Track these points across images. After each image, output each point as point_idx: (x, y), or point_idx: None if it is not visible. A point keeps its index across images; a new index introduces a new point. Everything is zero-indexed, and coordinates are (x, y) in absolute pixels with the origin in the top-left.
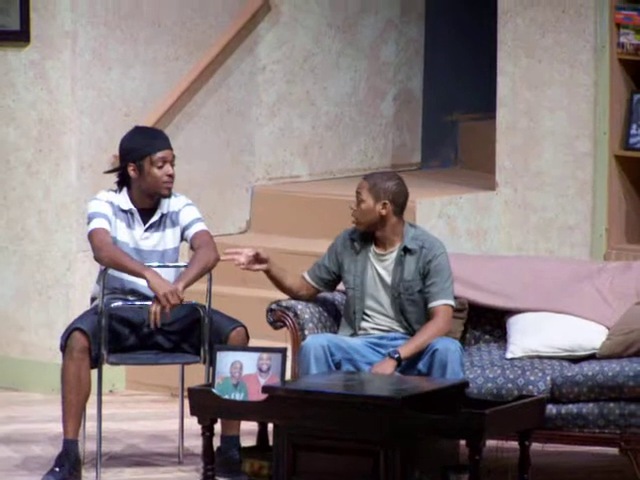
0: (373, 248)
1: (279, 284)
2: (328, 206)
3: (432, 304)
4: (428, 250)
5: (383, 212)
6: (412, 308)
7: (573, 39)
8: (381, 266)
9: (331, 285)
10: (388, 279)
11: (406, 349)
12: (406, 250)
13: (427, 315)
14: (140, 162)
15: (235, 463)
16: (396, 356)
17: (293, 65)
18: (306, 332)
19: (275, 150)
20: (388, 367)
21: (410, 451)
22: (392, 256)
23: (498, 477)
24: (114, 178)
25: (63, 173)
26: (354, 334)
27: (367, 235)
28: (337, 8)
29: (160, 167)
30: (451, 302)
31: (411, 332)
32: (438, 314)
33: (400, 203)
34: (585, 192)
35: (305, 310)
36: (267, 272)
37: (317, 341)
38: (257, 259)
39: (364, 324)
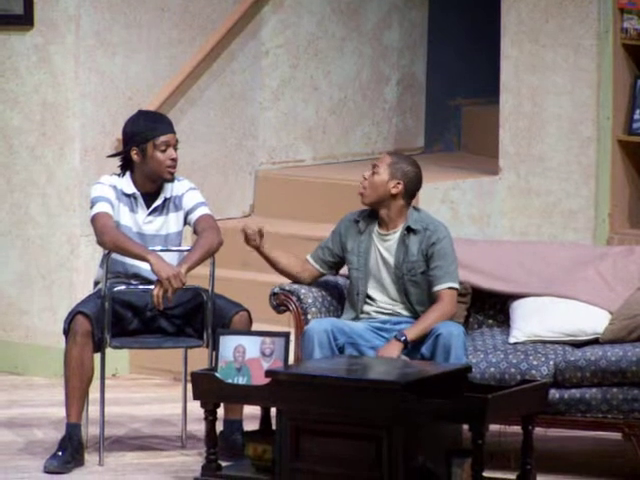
0: (376, 228)
1: (273, 264)
2: (331, 190)
3: (437, 287)
4: (432, 232)
5: (394, 191)
6: (414, 289)
7: (577, 24)
8: (384, 247)
9: (334, 268)
10: (391, 260)
11: (412, 332)
12: (409, 230)
13: (430, 297)
14: (143, 146)
15: (238, 447)
16: (402, 338)
17: (297, 49)
18: (309, 316)
19: (279, 134)
20: (394, 349)
21: (413, 436)
22: (395, 236)
23: (501, 462)
24: (117, 162)
25: (67, 157)
26: (356, 317)
27: (371, 216)
28: None
29: (163, 151)
30: (456, 285)
31: (414, 314)
32: (443, 297)
33: (412, 189)
34: (588, 177)
35: (308, 294)
36: (257, 249)
37: (321, 325)
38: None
39: (367, 307)
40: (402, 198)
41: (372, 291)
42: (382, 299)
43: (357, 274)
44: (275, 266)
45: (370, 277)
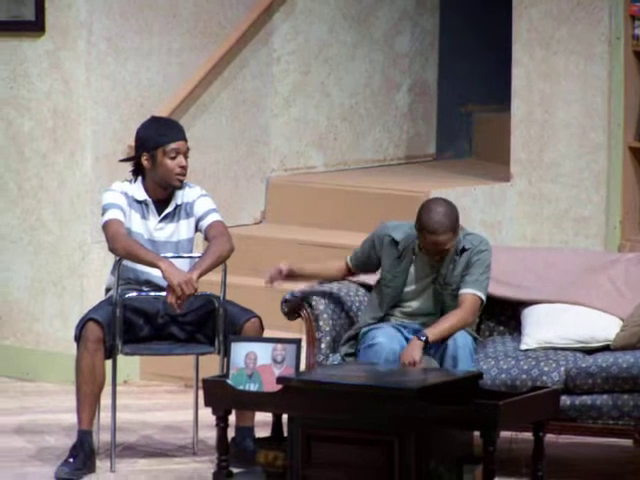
0: (417, 249)
1: (320, 280)
2: (343, 197)
3: (463, 291)
4: (476, 246)
5: (460, 236)
6: (453, 302)
7: (588, 31)
8: (429, 264)
9: (373, 271)
10: (432, 276)
11: (433, 333)
12: (463, 250)
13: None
14: (153, 152)
15: (249, 454)
16: (423, 338)
17: (308, 56)
18: (321, 323)
19: (290, 141)
20: (416, 350)
21: (424, 442)
22: (442, 262)
23: (512, 468)
24: (129, 168)
25: (78, 164)
26: (383, 318)
27: (411, 236)
28: None
29: (173, 158)
30: (481, 294)
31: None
32: (465, 303)
33: None
34: (599, 184)
35: (320, 301)
36: (302, 279)
37: (390, 346)
38: (283, 275)
39: (397, 311)
40: None
41: (400, 306)
42: (415, 309)
43: (389, 291)
44: (317, 279)
45: (402, 295)
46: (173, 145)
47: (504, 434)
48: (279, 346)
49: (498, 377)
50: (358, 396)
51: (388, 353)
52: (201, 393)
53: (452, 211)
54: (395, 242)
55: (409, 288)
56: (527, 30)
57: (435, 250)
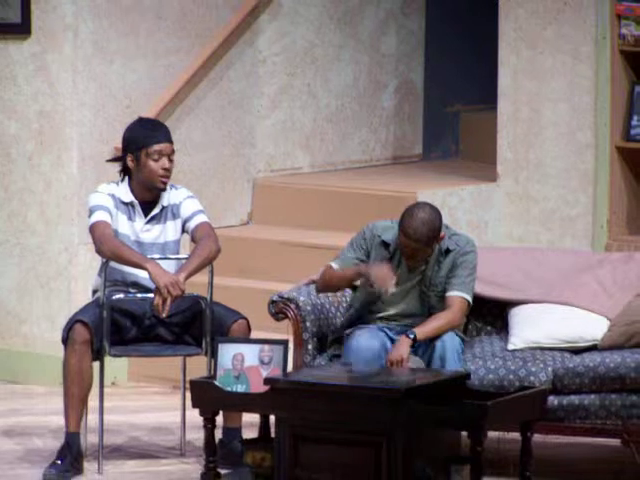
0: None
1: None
2: (329, 198)
3: (449, 293)
4: (461, 247)
5: (445, 237)
6: (439, 304)
7: (574, 30)
8: (414, 272)
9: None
10: (418, 277)
11: (421, 331)
12: (447, 251)
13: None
14: (137, 153)
15: (237, 455)
16: (411, 336)
17: (294, 57)
18: (308, 324)
19: (276, 142)
20: (404, 347)
21: (412, 442)
22: (427, 264)
23: (499, 468)
24: (115, 170)
25: (64, 165)
26: (372, 319)
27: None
28: (338, 0)
29: (156, 160)
30: (467, 297)
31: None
32: (453, 305)
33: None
34: (586, 183)
35: (307, 302)
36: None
37: (370, 345)
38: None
39: (384, 313)
40: None
41: (387, 309)
42: (401, 311)
43: (374, 291)
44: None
45: (389, 298)
46: (156, 147)
47: (492, 434)
48: (266, 347)
49: (486, 377)
50: (346, 397)
51: (366, 352)
52: (188, 394)
53: (433, 221)
54: (386, 244)
55: (395, 289)
56: (513, 30)
57: (404, 252)
